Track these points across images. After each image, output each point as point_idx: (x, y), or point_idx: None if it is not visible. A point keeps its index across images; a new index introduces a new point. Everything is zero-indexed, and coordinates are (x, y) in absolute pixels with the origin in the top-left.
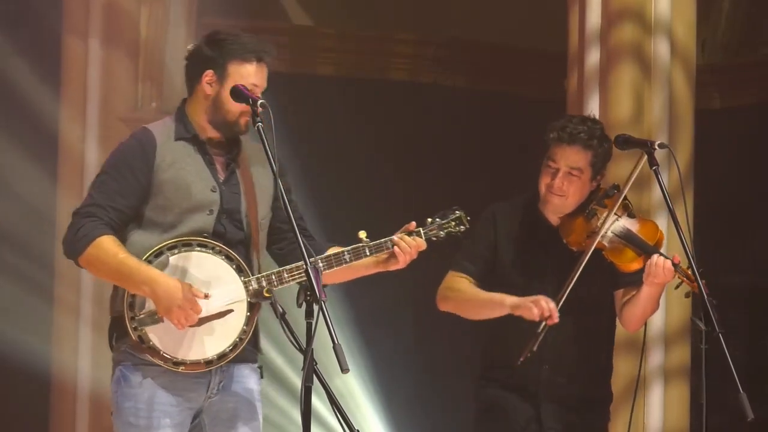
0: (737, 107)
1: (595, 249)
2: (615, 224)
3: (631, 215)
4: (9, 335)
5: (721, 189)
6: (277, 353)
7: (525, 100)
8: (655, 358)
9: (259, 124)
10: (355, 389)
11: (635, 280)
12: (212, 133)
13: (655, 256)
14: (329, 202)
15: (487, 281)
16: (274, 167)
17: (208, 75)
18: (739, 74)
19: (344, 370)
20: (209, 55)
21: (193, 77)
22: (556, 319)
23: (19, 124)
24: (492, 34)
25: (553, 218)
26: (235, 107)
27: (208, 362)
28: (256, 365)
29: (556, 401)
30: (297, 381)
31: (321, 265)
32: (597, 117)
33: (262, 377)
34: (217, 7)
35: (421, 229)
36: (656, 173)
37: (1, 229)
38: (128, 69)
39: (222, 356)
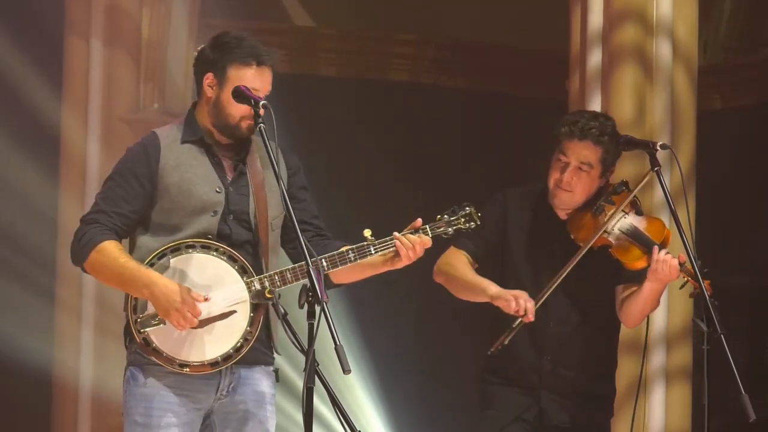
0: (738, 108)
1: (602, 246)
2: (622, 221)
3: (638, 212)
4: (11, 336)
5: (722, 189)
6: (278, 354)
7: (526, 101)
8: (657, 359)
9: (261, 124)
10: (357, 390)
11: (637, 276)
12: (219, 136)
13: (662, 252)
14: (330, 202)
15: (495, 269)
16: (276, 168)
17: (209, 78)
18: (740, 75)
19: (346, 371)
20: (211, 57)
21: (198, 80)
22: (531, 317)
23: (21, 124)
24: (493, 35)
25: (562, 212)
26: (235, 111)
27: (213, 364)
28: (270, 368)
29: (557, 392)
30: (298, 382)
31: (325, 264)
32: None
33: (278, 380)
34: (219, 8)
35: (427, 226)
36: (658, 174)
37: (2, 230)
38: (130, 70)
39: (227, 358)
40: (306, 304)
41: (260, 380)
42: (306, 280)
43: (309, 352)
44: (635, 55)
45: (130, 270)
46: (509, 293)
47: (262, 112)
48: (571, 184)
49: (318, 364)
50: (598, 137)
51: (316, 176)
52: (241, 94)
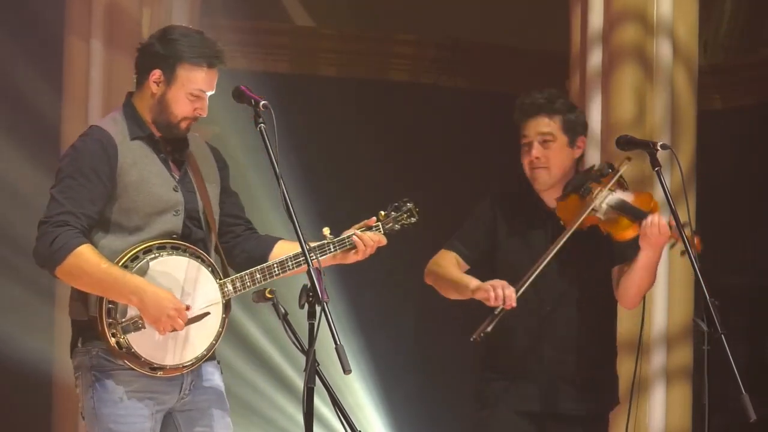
0: (738, 108)
1: (591, 225)
2: (610, 197)
3: (625, 189)
4: (11, 335)
5: (722, 189)
6: (278, 354)
7: None
8: (657, 359)
9: (262, 125)
10: (357, 390)
11: (631, 255)
12: (158, 132)
13: (652, 216)
14: (330, 202)
15: (487, 266)
16: (276, 169)
17: (156, 74)
18: (740, 75)
19: (346, 371)
20: (160, 53)
21: (141, 73)
22: (513, 304)
23: (21, 124)
24: (493, 35)
25: (550, 200)
26: (179, 111)
27: (185, 365)
28: (215, 361)
29: (558, 379)
30: (299, 382)
31: (291, 264)
32: (599, 118)
33: (221, 373)
34: (219, 8)
35: (380, 224)
36: (659, 174)
37: (2, 230)
38: (130, 70)
39: (199, 359)
40: (306, 304)
41: (214, 374)
42: (274, 279)
43: (309, 352)
44: (635, 55)
45: (115, 277)
46: (487, 284)
47: (262, 111)
48: (541, 159)
49: (318, 364)
50: (550, 106)
51: (316, 176)
52: (242, 95)
